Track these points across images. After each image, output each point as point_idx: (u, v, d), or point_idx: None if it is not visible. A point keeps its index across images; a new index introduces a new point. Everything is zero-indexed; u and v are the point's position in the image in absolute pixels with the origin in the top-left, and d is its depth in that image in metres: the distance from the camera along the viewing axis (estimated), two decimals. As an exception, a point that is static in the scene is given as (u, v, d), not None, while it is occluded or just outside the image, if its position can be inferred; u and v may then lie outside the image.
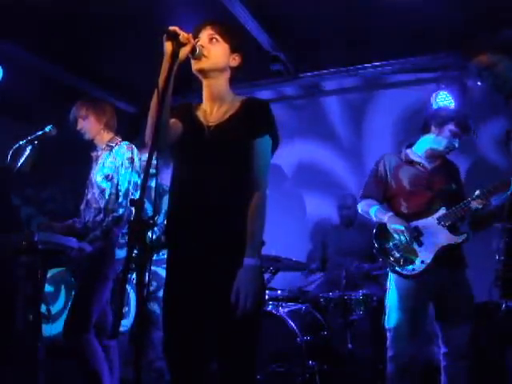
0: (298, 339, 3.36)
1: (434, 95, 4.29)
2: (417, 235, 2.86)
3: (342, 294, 3.65)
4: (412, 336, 2.80)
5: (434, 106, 4.23)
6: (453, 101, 4.23)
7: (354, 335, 3.59)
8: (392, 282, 2.93)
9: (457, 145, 2.95)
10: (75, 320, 2.83)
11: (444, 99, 4.27)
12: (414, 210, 2.91)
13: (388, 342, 2.87)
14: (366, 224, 4.37)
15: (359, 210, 3.16)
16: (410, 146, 3.10)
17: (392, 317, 2.87)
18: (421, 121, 3.10)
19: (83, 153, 3.29)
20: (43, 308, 3.96)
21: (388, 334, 2.88)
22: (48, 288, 4.55)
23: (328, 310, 3.77)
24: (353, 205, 4.41)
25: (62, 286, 4.74)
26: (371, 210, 3.05)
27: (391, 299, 2.90)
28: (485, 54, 2.24)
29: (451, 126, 2.92)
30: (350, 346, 3.54)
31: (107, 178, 2.97)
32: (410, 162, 3.02)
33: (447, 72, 4.29)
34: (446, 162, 3.06)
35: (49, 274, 4.46)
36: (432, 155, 3.01)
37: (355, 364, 3.53)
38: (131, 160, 2.96)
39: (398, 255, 2.89)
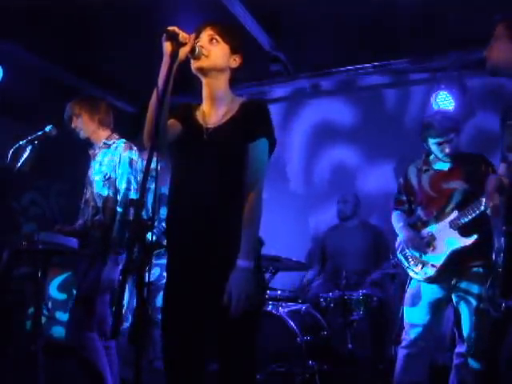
0: (298, 339, 3.36)
1: (434, 95, 4.29)
2: (430, 241, 2.92)
3: (342, 293, 3.65)
4: (424, 333, 2.85)
5: (434, 107, 4.23)
6: (453, 101, 4.24)
7: (354, 335, 3.59)
8: (411, 284, 3.00)
9: (447, 150, 2.93)
10: (77, 319, 2.83)
11: (444, 99, 4.27)
12: (432, 215, 2.97)
13: (402, 336, 2.96)
14: (368, 223, 4.40)
15: (392, 222, 3.24)
16: (429, 153, 3.11)
17: (407, 315, 2.95)
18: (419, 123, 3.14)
19: (63, 151, 3.23)
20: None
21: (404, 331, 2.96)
22: (60, 296, 4.53)
23: (328, 310, 3.77)
24: (351, 201, 4.41)
25: (74, 291, 4.71)
26: (392, 219, 3.21)
27: (407, 300, 2.98)
28: (497, 27, 2.21)
29: (430, 141, 2.96)
30: (349, 346, 3.54)
31: (105, 176, 2.95)
32: (427, 170, 3.06)
33: (447, 72, 4.29)
34: (462, 159, 2.99)
35: (58, 282, 4.48)
36: (440, 160, 3.02)
37: (355, 364, 3.53)
38: (129, 158, 2.94)
39: (413, 261, 2.97)
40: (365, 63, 4.59)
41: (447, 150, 2.93)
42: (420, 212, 3.06)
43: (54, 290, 4.51)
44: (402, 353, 2.92)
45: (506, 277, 1.91)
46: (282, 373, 3.33)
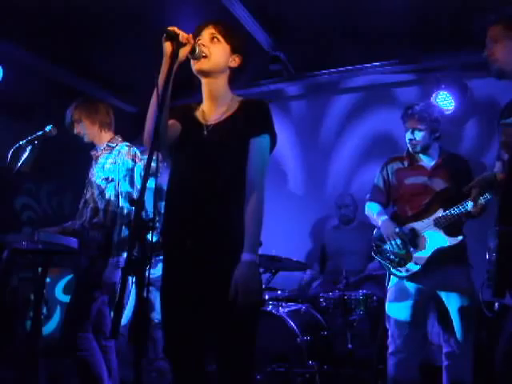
0: (298, 339, 3.36)
1: (433, 95, 4.29)
2: (412, 237, 2.87)
3: (342, 294, 3.65)
4: (410, 334, 2.82)
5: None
6: (453, 101, 4.24)
7: (354, 335, 3.58)
8: (391, 282, 2.96)
9: (417, 137, 2.92)
10: (73, 319, 2.83)
11: (444, 99, 4.27)
12: (414, 212, 2.92)
13: (388, 340, 2.91)
14: (366, 223, 4.40)
15: (366, 213, 3.19)
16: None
17: (391, 316, 2.90)
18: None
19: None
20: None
21: (388, 332, 2.91)
22: (67, 298, 4.51)
23: (328, 310, 3.77)
24: (351, 204, 4.42)
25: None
26: (367, 210, 3.16)
27: (390, 299, 2.93)
28: (493, 28, 2.18)
29: (407, 123, 2.96)
30: (349, 346, 3.54)
31: (107, 179, 2.95)
32: (411, 165, 3.03)
33: (447, 72, 4.29)
34: (447, 159, 2.98)
35: (63, 284, 4.47)
36: (418, 154, 3.00)
37: (355, 364, 3.53)
38: (131, 163, 2.94)
39: (392, 257, 2.92)
40: (365, 63, 4.59)
41: (417, 137, 2.92)
42: (400, 208, 3.01)
43: (59, 293, 4.49)
44: (391, 360, 2.86)
45: (498, 276, 1.91)
46: (282, 373, 3.33)
